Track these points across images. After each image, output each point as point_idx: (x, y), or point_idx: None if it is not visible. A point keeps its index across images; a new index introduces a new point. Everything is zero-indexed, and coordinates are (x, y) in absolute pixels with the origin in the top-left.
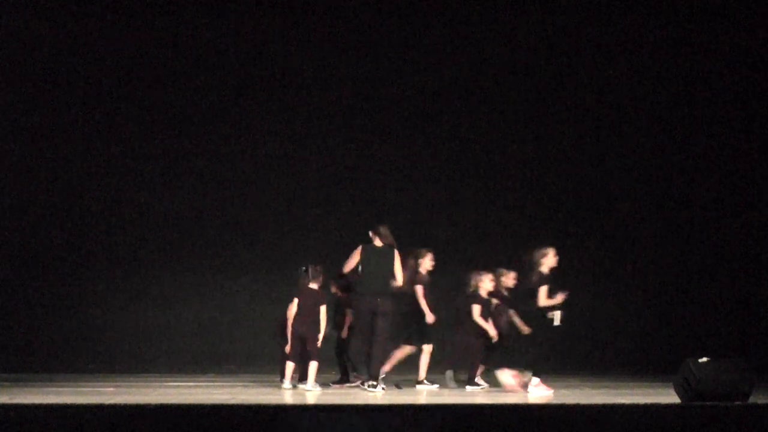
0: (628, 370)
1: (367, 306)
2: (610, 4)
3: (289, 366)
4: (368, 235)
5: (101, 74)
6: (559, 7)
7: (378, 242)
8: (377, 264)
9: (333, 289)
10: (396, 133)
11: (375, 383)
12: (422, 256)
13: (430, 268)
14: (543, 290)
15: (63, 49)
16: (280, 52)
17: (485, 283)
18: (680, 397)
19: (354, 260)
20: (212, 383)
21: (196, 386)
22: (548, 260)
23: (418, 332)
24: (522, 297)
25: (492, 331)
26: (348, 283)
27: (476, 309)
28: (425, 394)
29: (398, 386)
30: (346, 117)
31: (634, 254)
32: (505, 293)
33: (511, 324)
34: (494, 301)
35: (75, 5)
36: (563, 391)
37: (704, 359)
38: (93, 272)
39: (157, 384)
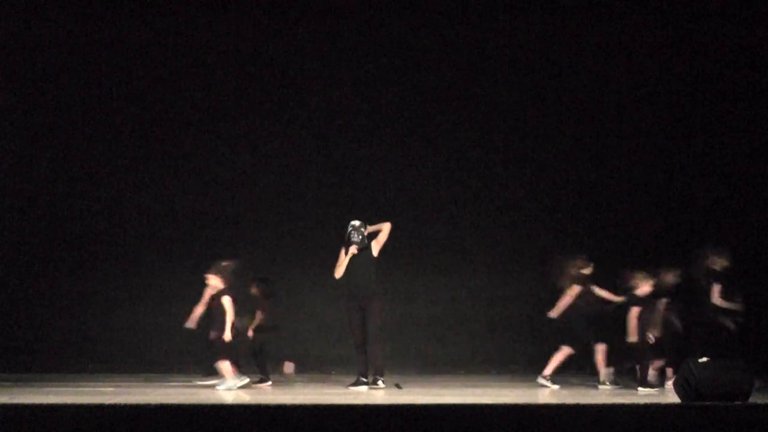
0: (628, 370)
1: (384, 305)
2: (610, 4)
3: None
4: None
5: (101, 74)
6: (559, 7)
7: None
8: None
9: (253, 290)
10: (396, 133)
11: (381, 379)
12: (580, 259)
13: (587, 272)
14: (717, 288)
15: (63, 49)
16: (280, 52)
17: (644, 287)
18: (680, 397)
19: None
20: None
21: (196, 386)
22: (722, 261)
23: (573, 332)
24: (692, 295)
25: (634, 333)
26: (270, 287)
27: (634, 311)
28: (425, 394)
29: (398, 386)
30: (345, 117)
31: (634, 254)
32: (669, 290)
33: (683, 322)
34: (663, 300)
35: (75, 5)
36: (563, 391)
37: (704, 359)
38: (93, 272)
39: (157, 384)
